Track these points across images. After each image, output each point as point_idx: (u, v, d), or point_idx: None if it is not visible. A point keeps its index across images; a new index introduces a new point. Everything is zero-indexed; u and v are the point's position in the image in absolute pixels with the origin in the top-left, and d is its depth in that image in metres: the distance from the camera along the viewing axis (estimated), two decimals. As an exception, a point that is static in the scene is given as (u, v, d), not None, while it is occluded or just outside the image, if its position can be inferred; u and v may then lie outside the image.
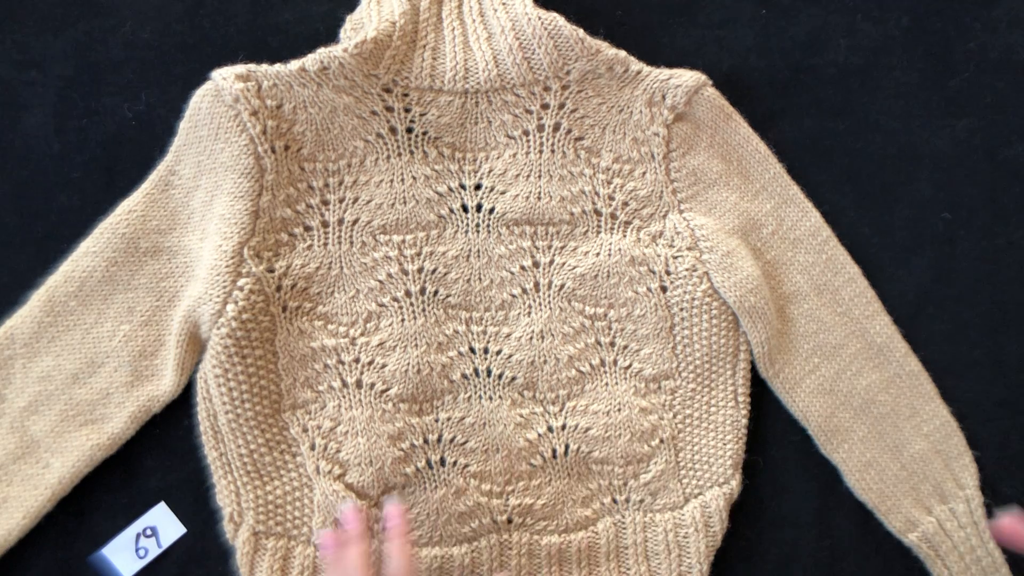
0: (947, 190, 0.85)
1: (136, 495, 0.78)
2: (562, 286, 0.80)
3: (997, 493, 0.81)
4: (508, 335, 0.79)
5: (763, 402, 0.82)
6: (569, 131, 0.79)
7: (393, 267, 0.78)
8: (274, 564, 0.74)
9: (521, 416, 0.79)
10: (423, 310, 0.78)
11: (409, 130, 0.77)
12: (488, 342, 0.79)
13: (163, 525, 0.78)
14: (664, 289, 0.79)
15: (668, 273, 0.79)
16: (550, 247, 0.80)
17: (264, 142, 0.74)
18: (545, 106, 0.78)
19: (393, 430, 0.77)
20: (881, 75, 0.85)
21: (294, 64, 0.74)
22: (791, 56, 0.85)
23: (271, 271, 0.76)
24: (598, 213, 0.80)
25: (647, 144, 0.79)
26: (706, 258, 0.78)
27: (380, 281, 0.78)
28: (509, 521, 0.79)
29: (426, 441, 0.78)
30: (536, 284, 0.80)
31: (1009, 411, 0.84)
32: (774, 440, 0.82)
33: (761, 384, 0.81)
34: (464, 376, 0.79)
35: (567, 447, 0.79)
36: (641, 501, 0.80)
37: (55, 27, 0.81)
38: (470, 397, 0.79)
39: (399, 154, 0.77)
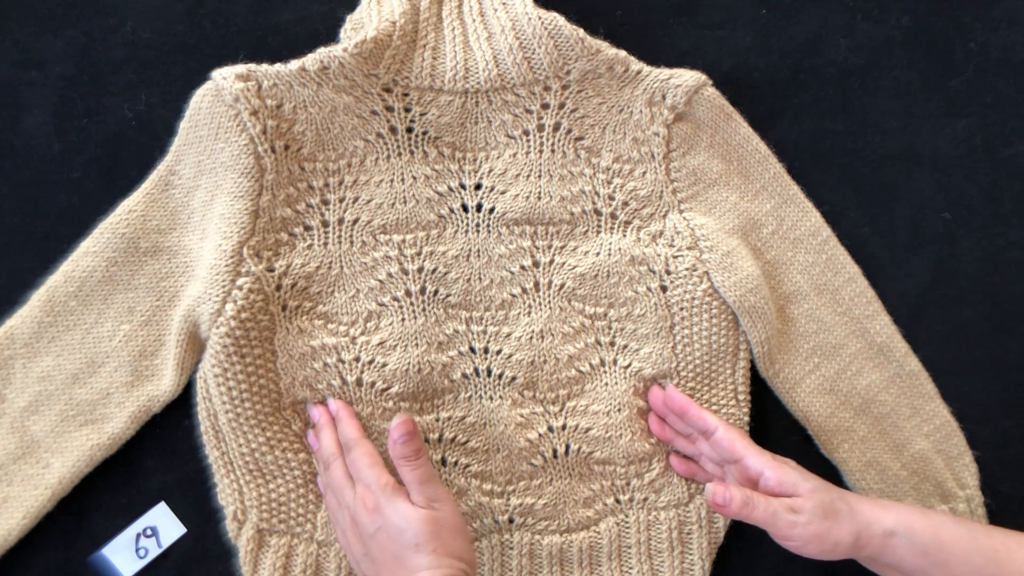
0: (947, 190, 0.85)
1: (136, 495, 0.78)
2: (562, 286, 0.80)
3: (997, 493, 0.81)
4: (508, 335, 0.79)
5: (763, 402, 0.82)
6: (569, 131, 0.79)
7: (393, 267, 0.78)
8: (276, 561, 0.75)
9: (522, 416, 0.79)
10: (423, 310, 0.78)
11: (409, 130, 0.77)
12: (488, 342, 0.79)
13: (163, 525, 0.78)
14: (664, 289, 0.79)
15: (668, 273, 0.79)
16: (550, 247, 0.80)
17: (264, 142, 0.74)
18: (545, 106, 0.78)
19: (393, 429, 0.77)
20: (881, 75, 0.85)
21: (294, 64, 0.74)
22: (791, 56, 0.85)
23: (271, 270, 0.76)
24: (598, 213, 0.80)
25: (647, 144, 0.79)
26: (706, 258, 0.78)
27: (380, 280, 0.78)
28: (510, 521, 0.79)
29: (427, 440, 0.78)
30: (536, 284, 0.80)
31: (1009, 411, 0.84)
32: (774, 440, 0.82)
33: (761, 384, 0.81)
34: (464, 376, 0.79)
35: (568, 447, 0.79)
36: (645, 499, 0.79)
37: (55, 27, 0.81)
38: (471, 397, 0.79)
39: (399, 154, 0.77)
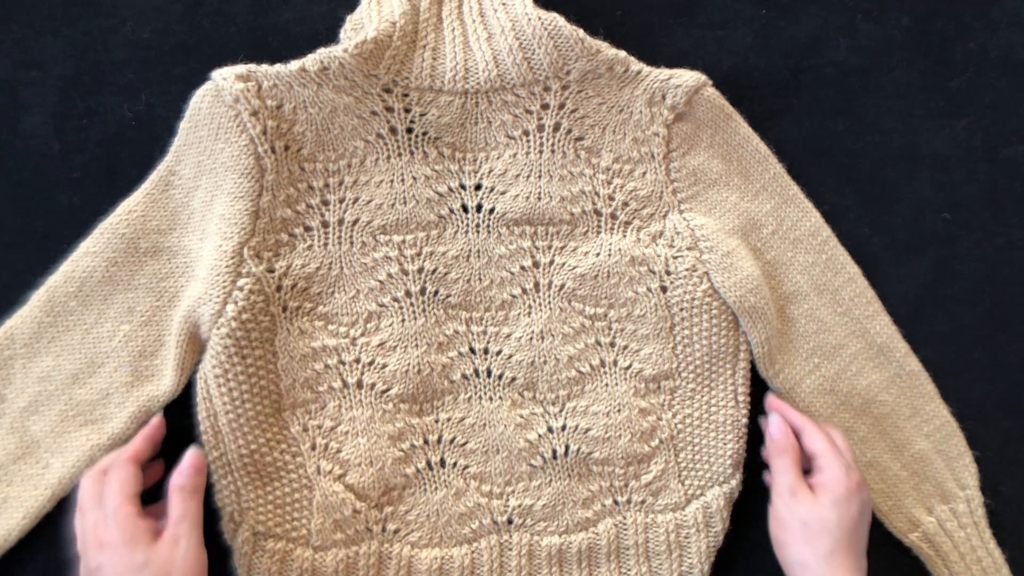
0: (947, 190, 0.85)
1: (136, 495, 0.78)
2: (562, 286, 0.80)
3: (997, 493, 0.81)
4: (508, 335, 0.79)
5: (763, 402, 0.81)
6: (569, 131, 0.79)
7: (393, 267, 0.78)
8: (272, 566, 0.74)
9: (521, 417, 0.79)
10: (423, 310, 0.78)
11: (409, 130, 0.77)
12: (488, 342, 0.79)
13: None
14: (664, 289, 0.79)
15: (668, 273, 0.79)
16: (550, 247, 0.80)
17: (264, 142, 0.74)
18: (545, 106, 0.78)
19: (393, 430, 0.77)
20: (881, 75, 0.85)
21: (294, 64, 0.74)
22: (791, 56, 0.85)
23: (271, 271, 0.76)
24: (598, 213, 0.80)
25: (647, 144, 0.79)
26: (706, 258, 0.78)
27: (380, 281, 0.78)
28: (509, 522, 0.79)
29: (426, 442, 0.78)
30: (536, 284, 0.80)
31: (1009, 411, 0.84)
32: (774, 440, 0.82)
33: (761, 384, 0.81)
34: (464, 376, 0.79)
35: (567, 448, 0.79)
36: (643, 502, 0.80)
37: (55, 27, 0.81)
38: (470, 398, 0.79)
39: (399, 154, 0.77)
